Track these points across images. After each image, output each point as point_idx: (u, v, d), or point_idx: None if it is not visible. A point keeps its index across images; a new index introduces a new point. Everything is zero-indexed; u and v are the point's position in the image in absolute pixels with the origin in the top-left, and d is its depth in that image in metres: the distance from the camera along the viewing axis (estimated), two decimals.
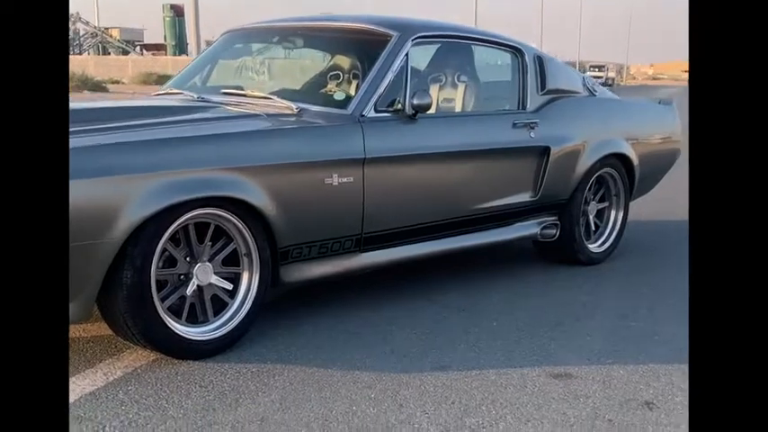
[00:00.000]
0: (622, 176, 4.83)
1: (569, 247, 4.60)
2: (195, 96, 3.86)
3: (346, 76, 3.95)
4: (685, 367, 3.08)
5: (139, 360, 2.95)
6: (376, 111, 3.57)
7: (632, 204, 5.09)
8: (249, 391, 2.72)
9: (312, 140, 3.30)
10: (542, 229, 4.44)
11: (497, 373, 2.98)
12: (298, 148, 3.23)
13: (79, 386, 2.71)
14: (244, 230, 3.07)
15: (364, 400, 2.69)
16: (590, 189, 4.69)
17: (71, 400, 2.59)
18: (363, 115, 3.51)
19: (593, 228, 4.80)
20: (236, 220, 3.03)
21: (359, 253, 3.52)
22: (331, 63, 4.18)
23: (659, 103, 5.47)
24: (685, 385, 2.91)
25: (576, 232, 4.58)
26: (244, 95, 3.79)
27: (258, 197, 3.05)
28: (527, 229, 4.37)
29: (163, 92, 4.18)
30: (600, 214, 4.87)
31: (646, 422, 2.60)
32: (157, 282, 2.87)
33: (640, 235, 5.47)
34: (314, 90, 3.96)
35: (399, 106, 3.63)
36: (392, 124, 3.60)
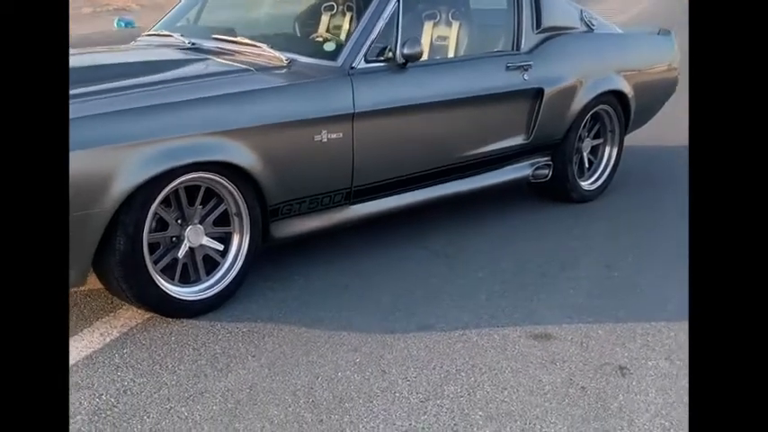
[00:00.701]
0: (618, 112, 4.83)
1: (562, 186, 4.65)
2: (186, 42, 3.84)
3: (339, 17, 3.91)
4: (662, 324, 3.19)
5: (135, 318, 3.07)
6: (366, 61, 3.57)
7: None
8: (240, 354, 2.84)
9: (301, 98, 3.32)
10: (535, 170, 4.47)
11: (479, 333, 3.09)
12: (286, 107, 3.25)
13: (77, 348, 2.83)
14: (233, 191, 3.13)
15: (349, 365, 2.81)
16: (584, 127, 4.70)
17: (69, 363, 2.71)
18: (353, 67, 3.51)
19: (587, 165, 4.83)
20: (225, 182, 3.09)
21: (349, 205, 3.59)
22: (323, 9, 4.13)
23: (658, 32, 5.40)
24: (659, 347, 3.02)
25: (569, 171, 4.62)
26: (234, 42, 3.76)
27: (247, 159, 3.09)
28: (519, 171, 4.41)
29: (153, 33, 4.15)
30: (594, 150, 4.89)
31: (617, 390, 2.72)
32: (150, 245, 2.95)
33: (636, 163, 5.49)
34: (305, 36, 3.94)
35: (390, 55, 3.62)
36: (382, 75, 3.60)
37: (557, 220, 4.45)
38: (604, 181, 4.91)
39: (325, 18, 4.06)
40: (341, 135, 3.40)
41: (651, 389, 2.73)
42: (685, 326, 3.18)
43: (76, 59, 3.57)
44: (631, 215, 4.60)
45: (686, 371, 2.84)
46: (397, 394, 2.64)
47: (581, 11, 4.81)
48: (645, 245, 4.10)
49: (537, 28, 4.37)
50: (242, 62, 3.54)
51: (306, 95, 3.34)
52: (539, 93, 4.26)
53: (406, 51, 3.60)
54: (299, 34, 4.06)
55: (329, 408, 2.54)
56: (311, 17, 4.16)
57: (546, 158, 4.53)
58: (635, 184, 5.12)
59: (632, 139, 5.32)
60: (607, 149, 4.92)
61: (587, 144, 4.79)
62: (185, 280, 3.12)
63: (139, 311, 3.09)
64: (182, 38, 3.91)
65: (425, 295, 3.41)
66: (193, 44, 3.82)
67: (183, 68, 3.46)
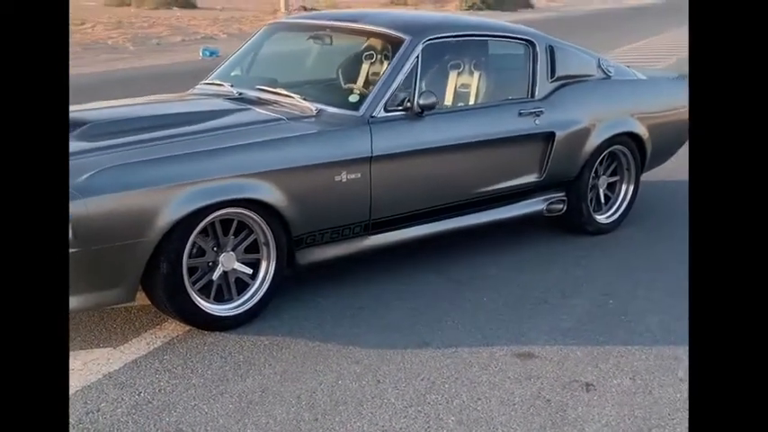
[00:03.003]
0: (633, 152, 5.21)
1: (577, 220, 5.05)
2: (235, 92, 4.42)
3: (364, 75, 4.43)
4: (636, 348, 3.58)
5: (177, 330, 3.62)
6: (386, 110, 4.08)
7: None
8: (258, 363, 3.37)
9: (323, 145, 3.84)
10: (549, 204, 4.89)
11: (470, 351, 3.53)
12: (309, 152, 3.78)
13: (125, 354, 3.40)
14: (262, 224, 3.66)
15: (349, 374, 3.29)
16: (601, 164, 5.10)
17: (117, 367, 3.27)
18: (374, 116, 4.02)
19: (603, 200, 5.21)
20: (255, 216, 3.63)
21: (368, 236, 4.09)
22: (353, 62, 4.67)
23: (677, 77, 5.75)
24: (628, 367, 3.41)
25: (583, 207, 5.01)
26: (274, 93, 4.32)
27: (273, 196, 3.63)
28: (533, 206, 4.83)
29: (209, 81, 4.75)
30: (612, 186, 5.27)
31: (579, 402, 3.13)
32: (190, 268, 3.51)
33: (656, 196, 5.84)
34: (334, 89, 4.48)
35: (408, 105, 4.12)
36: (400, 123, 4.11)
37: (568, 251, 4.84)
38: (620, 215, 5.27)
39: (356, 71, 4.59)
40: (359, 175, 3.91)
41: (609, 403, 3.13)
42: (657, 350, 3.56)
43: (139, 109, 4.21)
44: (643, 248, 4.95)
45: (645, 389, 3.23)
46: (385, 400, 3.11)
47: (599, 59, 5.22)
48: (648, 276, 4.45)
49: (551, 77, 4.81)
50: (278, 111, 4.09)
51: (327, 142, 3.87)
52: (550, 136, 4.69)
53: (422, 102, 4.10)
54: (332, 86, 4.59)
55: (325, 410, 3.04)
56: (347, 70, 4.70)
57: (561, 194, 4.94)
58: (650, 218, 5.46)
59: (656, 174, 5.68)
60: (624, 186, 5.29)
61: (603, 181, 5.18)
62: (220, 298, 3.66)
63: (180, 324, 3.64)
64: (231, 88, 4.49)
65: (431, 317, 3.87)
66: (240, 94, 4.40)
67: (226, 118, 4.02)
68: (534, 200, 4.83)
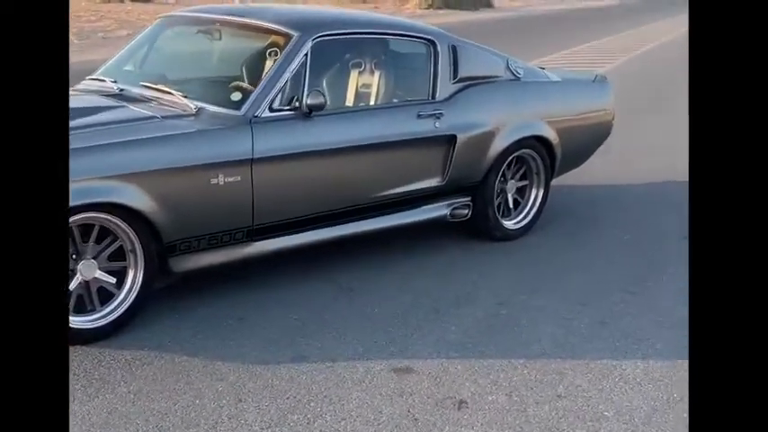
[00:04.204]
0: (542, 157, 5.06)
1: (483, 225, 4.89)
2: (115, 88, 4.17)
3: (250, 73, 4.21)
4: (519, 362, 3.41)
5: None
6: (271, 110, 3.87)
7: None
8: (114, 380, 3.13)
9: (196, 145, 3.62)
10: (453, 209, 4.71)
11: (347, 366, 3.34)
12: (180, 153, 3.55)
13: None
14: (127, 230, 3.42)
15: (210, 392, 3.08)
16: (509, 168, 4.94)
17: None
18: (257, 116, 3.80)
19: (512, 205, 5.06)
20: (118, 221, 3.39)
21: (251, 242, 3.87)
22: (240, 59, 4.45)
23: (594, 80, 5.63)
24: (507, 383, 3.24)
25: (489, 211, 4.85)
26: (156, 90, 4.08)
27: (139, 200, 3.39)
28: (435, 211, 4.65)
29: (93, 77, 4.49)
30: (521, 191, 5.12)
31: (447, 422, 2.95)
32: None
33: (568, 202, 5.71)
34: (217, 87, 4.24)
35: (297, 104, 3.91)
36: (286, 123, 3.90)
37: (470, 257, 4.68)
38: (529, 221, 5.12)
39: (243, 68, 4.37)
40: (239, 178, 3.69)
41: (480, 422, 2.96)
42: (541, 364, 3.40)
43: None
44: (549, 255, 4.80)
45: (520, 407, 3.06)
46: (243, 421, 2.90)
47: (507, 60, 5.06)
48: (549, 285, 4.30)
49: (454, 78, 4.63)
50: (153, 109, 3.85)
51: (201, 142, 3.64)
52: (452, 139, 4.52)
53: (309, 102, 3.89)
54: (216, 83, 4.36)
55: None
56: (233, 67, 4.47)
57: (466, 199, 4.77)
58: (566, 224, 5.32)
59: (573, 178, 5.57)
60: (533, 191, 5.14)
61: (512, 185, 5.02)
62: (81, 309, 3.41)
63: None
64: (113, 84, 4.24)
65: (314, 328, 3.67)
66: (121, 90, 4.16)
67: (95, 116, 3.78)
68: (437, 205, 4.66)
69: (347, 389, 3.15)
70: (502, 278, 4.39)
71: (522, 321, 3.84)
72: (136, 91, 4.12)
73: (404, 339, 3.60)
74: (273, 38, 4.19)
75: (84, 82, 4.52)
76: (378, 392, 3.14)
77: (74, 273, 3.35)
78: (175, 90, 4.00)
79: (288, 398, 3.07)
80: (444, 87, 4.58)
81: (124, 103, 3.97)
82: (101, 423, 2.85)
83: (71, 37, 15.24)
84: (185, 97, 3.93)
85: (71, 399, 2.98)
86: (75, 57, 13.26)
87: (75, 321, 3.37)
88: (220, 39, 4.56)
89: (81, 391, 3.04)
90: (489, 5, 29.87)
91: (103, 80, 4.35)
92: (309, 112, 3.92)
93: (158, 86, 4.10)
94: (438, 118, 4.47)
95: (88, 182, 3.28)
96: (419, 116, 4.41)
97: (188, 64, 4.73)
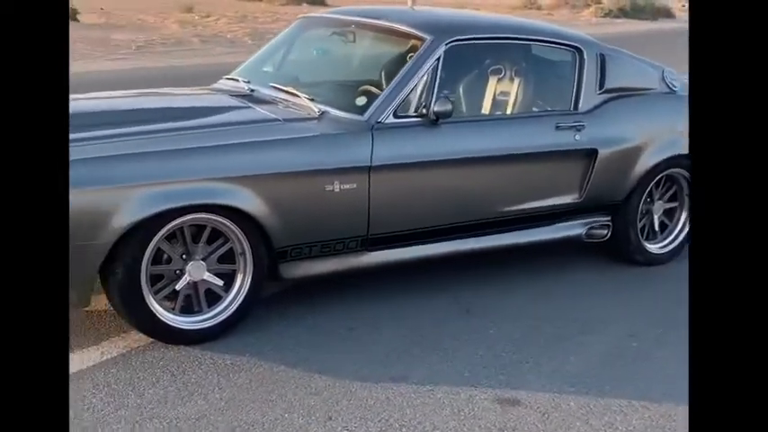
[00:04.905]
0: None
1: (624, 247, 4.54)
2: (246, 89, 4.16)
3: (381, 77, 4.07)
4: (642, 404, 3.09)
5: (140, 341, 3.37)
6: (395, 116, 3.71)
7: None
8: (209, 385, 3.07)
9: (313, 150, 3.51)
10: (589, 229, 4.39)
11: (448, 391, 3.13)
12: (296, 158, 3.46)
13: (72, 363, 3.16)
14: (238, 233, 3.37)
15: (301, 407, 2.96)
16: (657, 188, 4.57)
17: None
18: (380, 122, 3.66)
19: (659, 227, 4.67)
20: (229, 224, 3.34)
21: (366, 252, 3.73)
22: (372, 62, 4.32)
23: None
24: (624, 427, 2.93)
25: (631, 233, 4.49)
26: (285, 92, 4.02)
27: (251, 204, 3.33)
28: (570, 229, 4.35)
29: (228, 77, 4.50)
30: (670, 213, 4.72)
31: None
32: (154, 276, 3.26)
33: None
34: (344, 91, 4.13)
35: (424, 111, 3.74)
36: (411, 130, 3.73)
37: (603, 281, 4.34)
38: (677, 246, 4.71)
39: (374, 71, 4.23)
40: (354, 186, 3.55)
41: None
42: (663, 408, 3.06)
43: (132, 101, 4.01)
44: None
45: None
46: None
47: (663, 71, 4.67)
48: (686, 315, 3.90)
49: (600, 88, 4.32)
50: (277, 111, 3.79)
51: (319, 147, 3.53)
52: (592, 153, 4.20)
53: (436, 108, 3.71)
54: (345, 86, 4.25)
55: None
56: (364, 70, 4.35)
57: (605, 218, 4.44)
58: None
59: None
60: (683, 213, 4.72)
61: (659, 206, 4.64)
62: (188, 310, 3.39)
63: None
64: (245, 84, 4.23)
65: (423, 346, 3.48)
66: (252, 91, 4.13)
67: (217, 116, 3.76)
68: (572, 223, 4.35)
69: (443, 417, 2.94)
70: (638, 307, 4.03)
71: (654, 357, 3.49)
72: (265, 92, 4.09)
73: (516, 366, 3.35)
74: (406, 41, 4.04)
75: (220, 81, 4.55)
76: (476, 425, 2.91)
77: (182, 273, 3.33)
78: (303, 93, 3.92)
79: (379, 420, 2.90)
80: (589, 98, 4.27)
81: (250, 104, 3.93)
82: (186, 429, 2.78)
83: (244, 37, 15.80)
84: (311, 100, 3.85)
85: (164, 401, 2.94)
86: (244, 57, 13.64)
87: (180, 322, 3.35)
88: (354, 41, 4.45)
89: (174, 394, 3.00)
90: (669, 15, 28.53)
91: (237, 80, 4.35)
92: (436, 120, 3.74)
93: (286, 88, 4.04)
94: (579, 130, 4.16)
95: (202, 183, 3.25)
96: (557, 127, 4.13)
97: (320, 66, 4.65)
